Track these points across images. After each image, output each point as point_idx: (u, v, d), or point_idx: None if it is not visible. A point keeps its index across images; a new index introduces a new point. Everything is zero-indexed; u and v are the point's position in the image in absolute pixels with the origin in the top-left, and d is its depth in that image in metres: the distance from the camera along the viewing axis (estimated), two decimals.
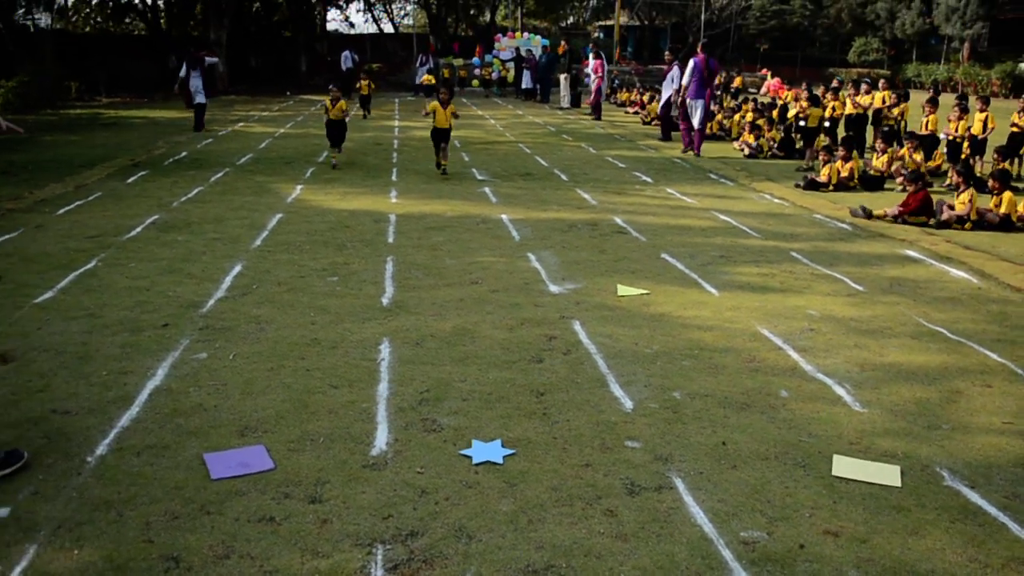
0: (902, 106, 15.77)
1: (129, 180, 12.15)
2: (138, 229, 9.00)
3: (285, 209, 10.20)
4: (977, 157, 13.30)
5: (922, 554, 3.46)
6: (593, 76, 23.03)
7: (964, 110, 13.37)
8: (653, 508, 3.72)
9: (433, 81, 29.15)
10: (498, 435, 4.39)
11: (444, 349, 5.61)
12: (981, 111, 13.40)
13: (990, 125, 13.30)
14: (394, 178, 12.76)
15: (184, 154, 14.98)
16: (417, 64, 30.15)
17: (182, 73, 18.31)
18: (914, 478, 4.09)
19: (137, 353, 5.49)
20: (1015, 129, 13.60)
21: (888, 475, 4.09)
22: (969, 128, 13.39)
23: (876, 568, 3.35)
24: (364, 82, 23.16)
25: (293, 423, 4.52)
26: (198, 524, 3.57)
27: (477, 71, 33.92)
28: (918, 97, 18.39)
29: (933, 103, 14.18)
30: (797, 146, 15.96)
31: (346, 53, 29.13)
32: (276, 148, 16.05)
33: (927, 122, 14.13)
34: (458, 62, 34.59)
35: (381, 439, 4.34)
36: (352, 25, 49.21)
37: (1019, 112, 13.64)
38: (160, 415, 4.61)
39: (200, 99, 18.31)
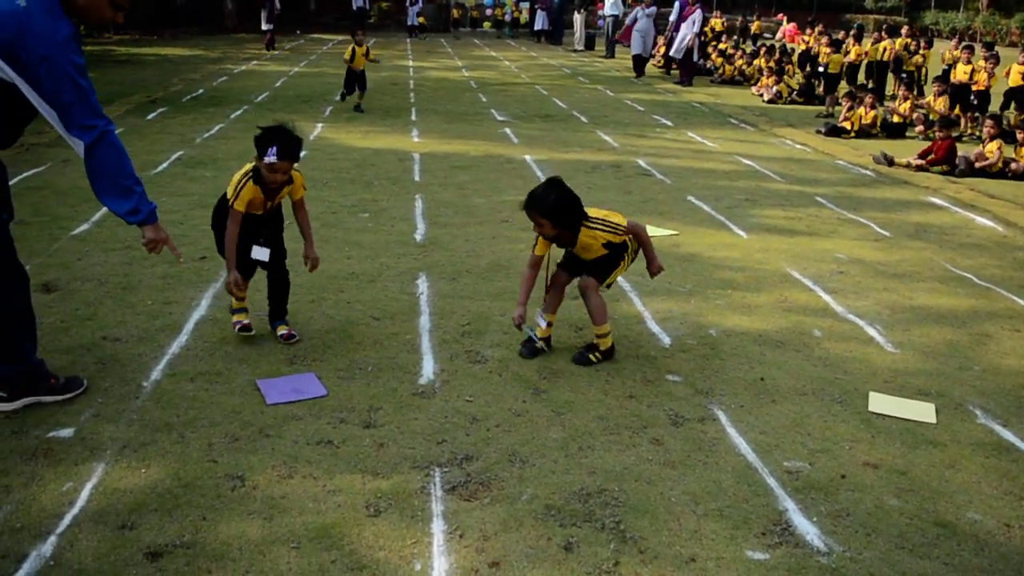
0: (923, 52, 15.63)
1: (149, 117, 12.14)
2: (164, 165, 9.04)
3: (308, 147, 10.20)
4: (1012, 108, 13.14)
5: (959, 486, 3.58)
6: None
7: (995, 59, 13.23)
8: (697, 438, 3.84)
9: (424, 21, 28.79)
10: (541, 366, 4.50)
11: (481, 284, 5.70)
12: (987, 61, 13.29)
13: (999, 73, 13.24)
14: (414, 118, 12.73)
15: (201, 91, 14.93)
16: (408, 3, 29.60)
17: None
18: (948, 415, 4.20)
19: (179, 284, 5.59)
20: (1015, 83, 13.47)
21: (923, 411, 4.20)
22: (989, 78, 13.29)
23: (916, 497, 3.47)
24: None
25: (340, 352, 4.63)
26: (259, 446, 3.69)
27: (489, 11, 33.46)
28: (939, 45, 18.18)
29: (970, 50, 13.98)
30: (818, 92, 15.86)
31: None
32: (292, 87, 15.97)
33: (958, 70, 13.97)
34: (470, 2, 34.10)
35: (428, 369, 4.46)
36: None
37: (1019, 63, 13.50)
38: (209, 343, 4.71)
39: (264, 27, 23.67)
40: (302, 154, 9.37)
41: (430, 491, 3.38)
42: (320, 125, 11.77)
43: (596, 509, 3.27)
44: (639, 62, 19.28)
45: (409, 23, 29.54)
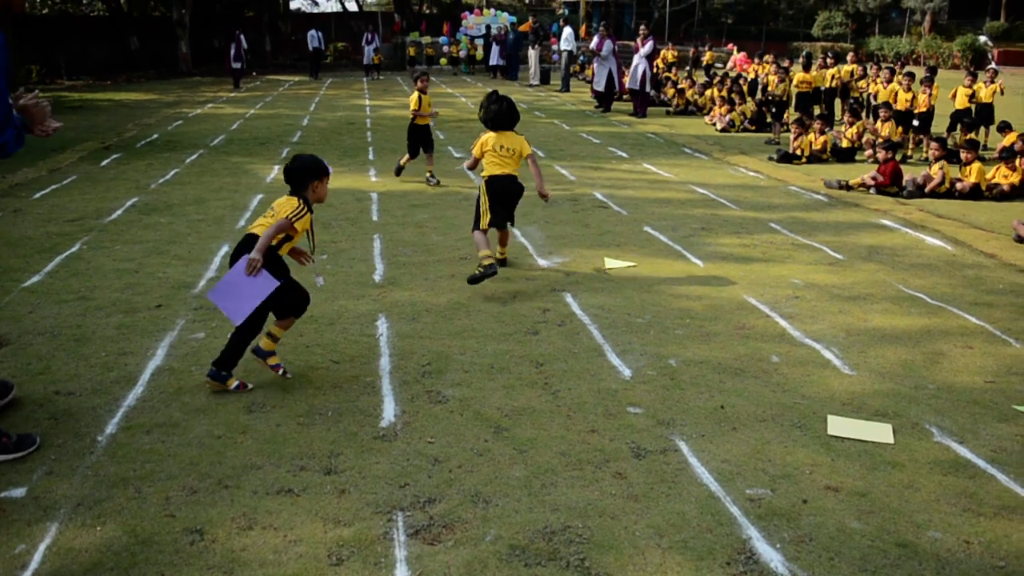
0: (871, 79, 16.01)
1: (103, 163, 12.02)
2: (119, 212, 8.95)
3: (265, 190, 10.16)
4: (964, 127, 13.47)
5: (919, 505, 3.62)
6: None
7: (930, 82, 13.60)
8: (660, 470, 3.84)
9: (378, 60, 28.91)
10: (502, 404, 4.49)
11: (441, 323, 5.69)
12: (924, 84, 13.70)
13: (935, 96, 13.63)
14: (371, 157, 12.74)
15: (156, 136, 14.83)
16: (364, 43, 29.72)
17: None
18: (905, 435, 4.25)
19: (134, 334, 5.51)
20: (961, 105, 13.86)
21: (881, 433, 4.26)
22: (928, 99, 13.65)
23: (877, 519, 3.50)
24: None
25: (299, 398, 4.58)
26: (217, 498, 3.63)
27: (445, 49, 33.74)
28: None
29: (910, 76, 14.35)
30: (768, 120, 16.15)
31: (312, 32, 28.91)
32: (248, 129, 15.92)
33: (899, 98, 14.34)
34: (425, 40, 34.36)
35: (389, 411, 4.43)
36: (316, 3, 48.52)
37: (965, 85, 13.90)
38: (165, 394, 4.65)
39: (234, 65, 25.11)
40: (259, 197, 9.27)
41: (393, 536, 3.35)
42: (276, 167, 11.72)
43: (561, 547, 3.26)
44: (606, 96, 19.43)
45: (365, 62, 29.65)
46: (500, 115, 6.66)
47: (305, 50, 30.52)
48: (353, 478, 3.79)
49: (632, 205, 9.37)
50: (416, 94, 10.26)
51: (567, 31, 23.49)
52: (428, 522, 3.44)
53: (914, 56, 40.60)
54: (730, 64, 33.26)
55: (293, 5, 47.08)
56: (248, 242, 4.60)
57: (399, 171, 10.80)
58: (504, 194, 6.59)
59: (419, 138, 10.47)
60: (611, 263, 7.06)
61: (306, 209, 4.71)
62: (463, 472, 3.82)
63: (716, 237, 8.06)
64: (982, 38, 38.85)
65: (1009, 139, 11.51)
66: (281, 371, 4.82)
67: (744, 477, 3.80)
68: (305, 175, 4.75)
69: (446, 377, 4.84)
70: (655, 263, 7.13)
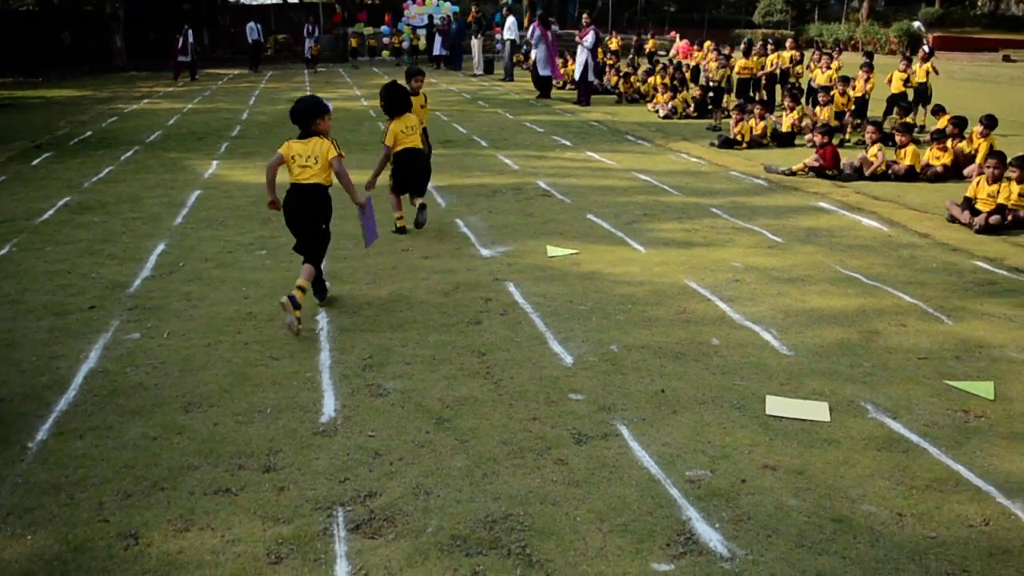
0: (808, 64, 16.27)
1: (34, 162, 11.69)
2: (50, 212, 8.71)
3: (203, 185, 9.98)
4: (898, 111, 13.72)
5: (854, 481, 3.69)
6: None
7: (869, 67, 13.84)
8: (601, 455, 3.86)
9: (317, 52, 28.52)
10: (444, 395, 4.47)
11: (382, 315, 5.65)
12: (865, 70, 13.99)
13: (872, 82, 13.90)
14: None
15: (89, 133, 14.47)
16: (304, 35, 29.31)
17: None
18: (841, 413, 4.33)
19: (66, 337, 5.37)
20: (897, 90, 14.15)
21: (818, 411, 4.33)
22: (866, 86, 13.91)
23: (813, 495, 3.56)
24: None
25: (238, 396, 4.51)
26: (153, 501, 3.56)
27: (387, 40, 33.45)
28: (848, 57, 18.88)
29: (868, 67, 14.53)
30: (709, 107, 16.30)
31: (251, 25, 28.42)
32: (186, 124, 15.62)
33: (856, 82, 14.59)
34: (367, 31, 34.03)
35: (329, 406, 4.38)
36: None
37: (900, 70, 14.18)
38: (99, 397, 4.54)
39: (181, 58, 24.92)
40: (196, 193, 9.10)
41: (333, 532, 3.31)
42: (215, 162, 11.53)
43: (502, 535, 3.25)
44: (544, 84, 19.48)
45: (306, 55, 29.26)
46: (391, 102, 7.48)
47: (244, 43, 29.97)
48: (292, 475, 3.74)
49: (575, 193, 9.39)
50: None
51: (510, 20, 23.44)
52: (369, 516, 3.41)
53: (852, 42, 41.28)
54: (673, 52, 33.51)
55: None
56: (308, 191, 5.52)
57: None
58: (412, 165, 7.62)
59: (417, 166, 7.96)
60: (554, 251, 7.07)
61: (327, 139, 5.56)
62: (404, 464, 3.79)
63: (658, 223, 8.12)
64: (916, 24, 39.62)
65: (942, 122, 11.77)
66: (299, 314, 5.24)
67: (684, 459, 3.83)
68: (308, 115, 5.53)
69: (387, 370, 4.80)
70: (598, 250, 7.16)
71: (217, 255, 7.09)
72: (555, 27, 19.68)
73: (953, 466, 3.84)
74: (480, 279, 6.37)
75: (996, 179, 8.19)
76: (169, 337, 5.36)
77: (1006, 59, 35.46)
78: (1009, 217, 8.11)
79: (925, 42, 38.91)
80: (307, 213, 5.56)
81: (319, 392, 4.55)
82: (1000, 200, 8.06)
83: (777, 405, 4.37)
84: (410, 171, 7.58)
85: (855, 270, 6.71)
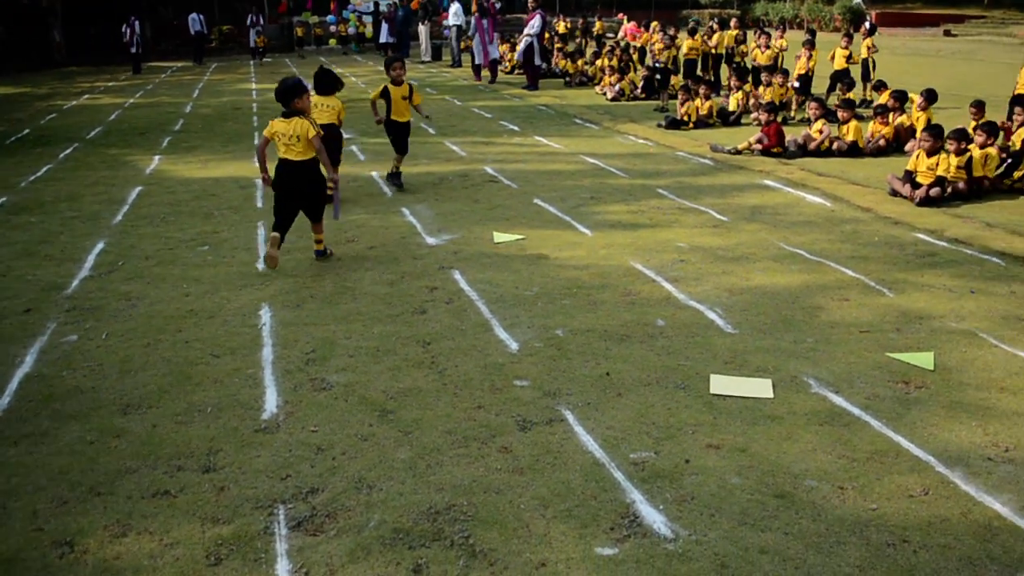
0: (751, 44, 16.37)
1: None
2: None
3: (144, 181, 9.78)
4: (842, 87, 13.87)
5: (796, 456, 3.72)
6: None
7: (811, 45, 13.97)
8: (545, 441, 3.85)
9: (262, 43, 28.00)
10: (388, 387, 4.42)
11: (326, 308, 5.58)
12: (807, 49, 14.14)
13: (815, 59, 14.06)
14: (257, 142, 12.37)
15: (27, 131, 14.09)
16: (248, 24, 28.80)
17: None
18: (784, 389, 4.37)
19: (0, 342, 5.22)
20: (840, 66, 14.32)
21: (761, 388, 4.36)
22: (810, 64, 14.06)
23: (756, 472, 3.58)
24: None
25: (178, 396, 4.42)
26: (89, 507, 3.47)
27: (333, 28, 33.02)
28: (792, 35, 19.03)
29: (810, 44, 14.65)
30: (657, 88, 16.34)
31: (193, 16, 27.89)
32: (128, 119, 15.29)
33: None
34: (313, 20, 33.56)
35: (271, 402, 4.31)
36: None
37: (842, 47, 14.36)
38: (34, 402, 4.42)
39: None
40: (137, 189, 8.94)
41: (274, 530, 3.26)
42: (157, 158, 11.30)
43: (445, 526, 3.23)
44: (478, 70, 19.42)
45: (252, 45, 28.78)
46: (320, 82, 7.97)
47: (188, 35, 29.38)
48: (233, 474, 3.68)
49: (522, 178, 9.36)
50: (383, 86, 8.63)
51: (455, 6, 23.29)
52: (311, 513, 3.36)
53: (798, 20, 41.69)
54: (621, 33, 33.56)
55: None
56: (300, 167, 6.22)
57: (394, 177, 8.97)
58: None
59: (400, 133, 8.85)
60: (500, 237, 7.04)
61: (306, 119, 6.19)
62: (347, 459, 3.75)
63: (605, 206, 8.12)
64: (856, 0, 40.12)
65: (883, 97, 11.93)
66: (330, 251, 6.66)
67: (629, 442, 3.83)
68: (288, 95, 6.18)
69: (331, 363, 4.74)
70: (544, 235, 7.14)
71: (158, 252, 6.95)
72: (496, 16, 19.84)
73: (894, 438, 3.89)
74: (426, 268, 6.32)
75: (934, 152, 8.31)
76: (107, 338, 5.24)
77: (947, 34, 36.08)
78: (949, 189, 8.25)
79: (868, 19, 39.49)
80: (304, 187, 6.31)
81: (261, 388, 4.47)
82: (939, 172, 8.19)
83: (721, 384, 4.39)
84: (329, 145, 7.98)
85: (799, 246, 6.78)
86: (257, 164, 6.64)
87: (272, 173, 6.36)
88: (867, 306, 5.53)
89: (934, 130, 8.52)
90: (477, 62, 20.19)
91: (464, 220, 7.66)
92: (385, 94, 8.68)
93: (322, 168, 6.39)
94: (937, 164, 8.22)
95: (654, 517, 3.27)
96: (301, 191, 6.29)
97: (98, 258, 6.86)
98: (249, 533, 3.25)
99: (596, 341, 4.95)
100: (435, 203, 8.35)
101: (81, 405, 4.38)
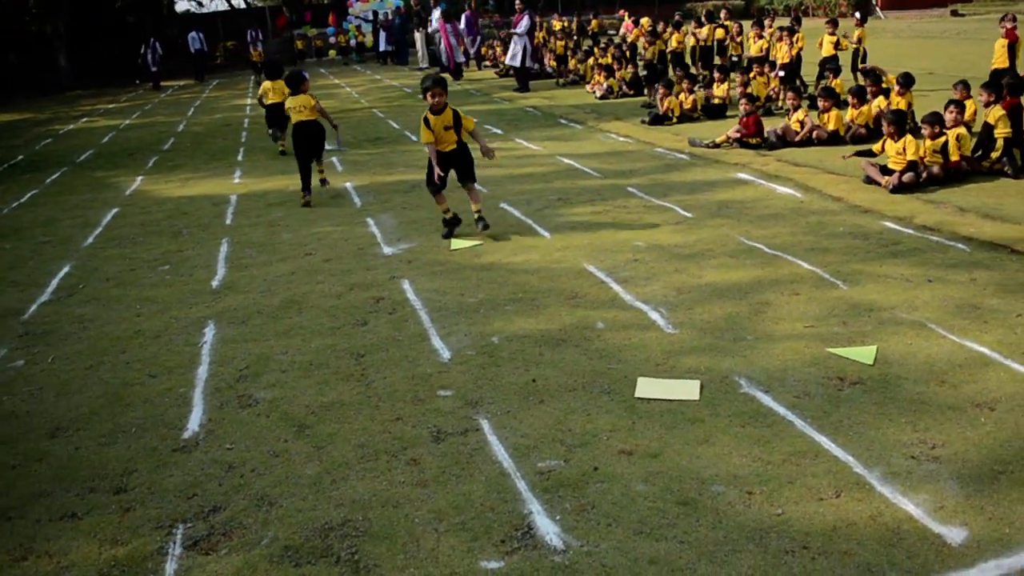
0: (749, 36, 16.22)
1: None
2: None
3: (122, 203, 9.85)
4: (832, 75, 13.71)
5: (709, 460, 3.64)
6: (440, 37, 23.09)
7: (790, 32, 13.83)
8: (457, 452, 3.80)
9: (258, 57, 28.03)
10: (312, 401, 4.40)
11: (270, 324, 5.57)
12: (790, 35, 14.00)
13: (798, 46, 13.90)
14: (240, 158, 12.46)
15: (20, 157, 14.27)
16: (248, 40, 28.91)
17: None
18: (713, 390, 4.28)
19: None
20: (827, 53, 14.13)
21: (688, 390, 4.28)
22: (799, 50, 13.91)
23: (663, 479, 3.51)
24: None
25: (106, 417, 4.43)
26: None
27: (332, 40, 33.17)
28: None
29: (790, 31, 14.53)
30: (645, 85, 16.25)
31: (193, 34, 28.14)
32: (120, 140, 15.44)
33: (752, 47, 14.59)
34: (312, 32, 33.74)
35: (195, 421, 4.30)
36: (201, 4, 47.13)
37: (828, 33, 14.18)
38: None
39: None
40: (113, 211, 8.94)
41: (167, 550, 3.25)
42: (140, 178, 11.39)
43: (335, 543, 3.20)
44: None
45: (253, 60, 28.98)
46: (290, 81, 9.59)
47: (188, 53, 29.63)
48: (142, 494, 3.67)
49: (493, 183, 9.32)
50: (424, 118, 7.05)
51: (437, 12, 23.38)
52: (208, 532, 3.35)
53: (803, 8, 41.32)
54: (622, 31, 33.46)
55: (180, 7, 45.73)
56: (309, 127, 9.01)
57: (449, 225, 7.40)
58: (306, 135, 9.16)
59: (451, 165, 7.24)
60: (457, 244, 7.01)
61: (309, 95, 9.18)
62: (255, 476, 3.73)
63: (570, 208, 8.06)
64: None
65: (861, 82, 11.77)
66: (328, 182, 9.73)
67: (540, 450, 3.78)
68: (296, 82, 9.28)
69: (262, 379, 4.73)
70: (502, 240, 7.09)
71: (119, 273, 6.99)
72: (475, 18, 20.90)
73: (816, 438, 3.79)
74: (376, 278, 6.30)
75: (900, 137, 8.17)
76: (53, 362, 5.26)
77: (954, 14, 35.61)
78: (924, 174, 8.11)
79: (874, 3, 39.09)
80: (312, 138, 9.04)
81: (189, 407, 4.47)
82: (910, 156, 8.04)
83: (647, 387, 4.32)
84: (306, 141, 9.25)
85: (759, 240, 6.68)
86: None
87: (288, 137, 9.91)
88: (817, 300, 5.43)
89: (894, 115, 8.39)
90: (443, 61, 21.81)
91: (425, 228, 7.64)
92: (428, 125, 6.97)
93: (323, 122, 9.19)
94: (905, 149, 8.08)
95: (548, 528, 3.21)
96: (311, 139, 8.97)
97: (61, 281, 6.91)
98: (143, 554, 3.24)
99: (530, 347, 4.90)
100: (401, 212, 8.34)
101: (12, 429, 4.40)
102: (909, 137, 8.11)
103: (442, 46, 21.98)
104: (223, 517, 3.43)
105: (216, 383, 4.73)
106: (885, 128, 8.36)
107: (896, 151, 8.14)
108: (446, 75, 20.68)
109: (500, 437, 3.90)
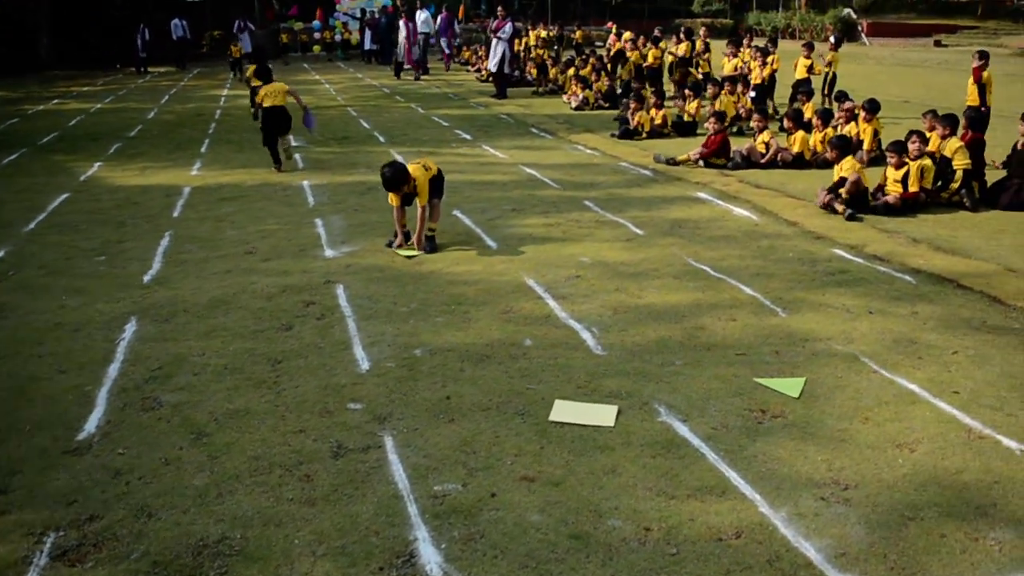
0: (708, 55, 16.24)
1: None
2: None
3: (74, 188, 9.65)
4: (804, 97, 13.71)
5: (611, 492, 3.52)
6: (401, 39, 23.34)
7: (764, 52, 13.81)
8: (354, 469, 3.67)
9: (238, 53, 27.56)
10: (218, 408, 4.26)
11: (193, 323, 5.41)
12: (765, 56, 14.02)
13: (771, 67, 13.92)
14: (204, 149, 12.27)
15: None
16: (235, 30, 28.53)
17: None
18: (630, 416, 4.17)
19: None
20: (801, 75, 14.15)
21: (604, 415, 4.16)
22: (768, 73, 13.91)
23: (560, 510, 3.39)
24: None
25: (3, 414, 4.26)
26: None
27: (318, 35, 32.95)
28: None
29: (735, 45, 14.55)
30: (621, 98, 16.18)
31: (175, 22, 27.85)
32: (87, 125, 15.19)
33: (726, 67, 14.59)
34: (298, 26, 33.50)
35: (92, 422, 4.15)
36: None
37: (804, 56, 14.19)
38: None
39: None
40: (63, 196, 8.76)
41: (33, 560, 3.10)
42: (98, 164, 11.17)
43: (206, 561, 3.06)
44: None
45: (245, 50, 28.62)
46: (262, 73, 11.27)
47: (171, 40, 29.27)
48: (21, 498, 3.52)
49: (451, 189, 9.12)
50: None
51: (424, 15, 23.34)
52: (79, 541, 3.20)
53: (790, 29, 41.52)
54: (609, 42, 33.42)
55: None
56: (279, 112, 10.09)
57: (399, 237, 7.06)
58: (275, 117, 10.23)
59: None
60: (402, 251, 6.87)
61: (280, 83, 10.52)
62: (141, 484, 3.58)
63: (523, 218, 7.95)
64: (846, 11, 39.99)
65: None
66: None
67: (439, 472, 3.65)
68: (269, 74, 10.99)
69: (172, 381, 4.58)
70: (448, 248, 6.97)
71: (53, 262, 6.81)
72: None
73: (726, 473, 3.69)
74: (311, 281, 6.16)
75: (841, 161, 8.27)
76: None
77: (937, 44, 35.87)
78: (850, 189, 8.01)
79: (860, 29, 39.33)
80: (280, 120, 10.13)
81: (90, 407, 4.31)
82: (844, 172, 8.11)
83: (563, 410, 4.20)
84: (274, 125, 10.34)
85: (706, 262, 6.59)
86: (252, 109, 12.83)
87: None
88: (753, 327, 5.34)
89: (838, 140, 8.44)
90: (400, 60, 22.65)
91: (372, 232, 7.50)
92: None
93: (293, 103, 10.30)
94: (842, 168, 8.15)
95: (431, 557, 3.09)
96: (278, 122, 10.09)
97: None
98: (7, 562, 3.09)
99: (453, 361, 4.78)
100: (353, 214, 8.19)
101: None
102: (849, 158, 8.20)
103: (400, 44, 22.75)
104: (98, 527, 3.29)
105: (124, 383, 4.57)
106: (829, 153, 8.37)
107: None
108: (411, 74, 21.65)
109: (401, 456, 3.78)
